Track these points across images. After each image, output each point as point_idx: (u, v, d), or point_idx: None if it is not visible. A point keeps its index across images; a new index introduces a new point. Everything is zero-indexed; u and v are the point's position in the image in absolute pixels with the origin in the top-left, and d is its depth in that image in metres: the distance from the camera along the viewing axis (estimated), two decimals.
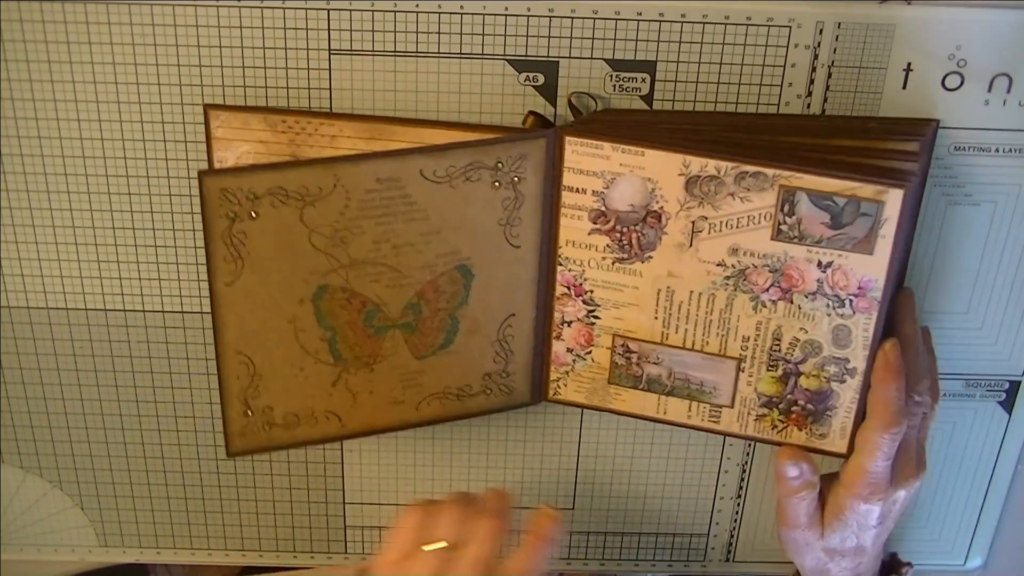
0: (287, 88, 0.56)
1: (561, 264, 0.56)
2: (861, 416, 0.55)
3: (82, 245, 0.60)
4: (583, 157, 0.53)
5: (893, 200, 0.49)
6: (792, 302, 0.53)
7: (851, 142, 0.53)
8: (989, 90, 0.55)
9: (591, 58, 0.55)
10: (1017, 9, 0.53)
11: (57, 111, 0.56)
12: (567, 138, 0.53)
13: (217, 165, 0.55)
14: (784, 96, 0.56)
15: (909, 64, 0.55)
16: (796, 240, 0.51)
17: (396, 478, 0.67)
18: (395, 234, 0.53)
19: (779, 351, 0.54)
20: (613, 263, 0.55)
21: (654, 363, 0.57)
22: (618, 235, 0.54)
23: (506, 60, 0.55)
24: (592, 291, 0.56)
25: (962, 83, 0.55)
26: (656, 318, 0.55)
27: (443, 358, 0.57)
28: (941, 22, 0.54)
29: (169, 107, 0.56)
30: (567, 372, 0.59)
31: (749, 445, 0.65)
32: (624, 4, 0.54)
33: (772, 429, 0.57)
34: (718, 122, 0.56)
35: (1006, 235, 0.59)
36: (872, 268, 0.51)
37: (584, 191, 0.54)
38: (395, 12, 0.54)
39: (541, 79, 0.56)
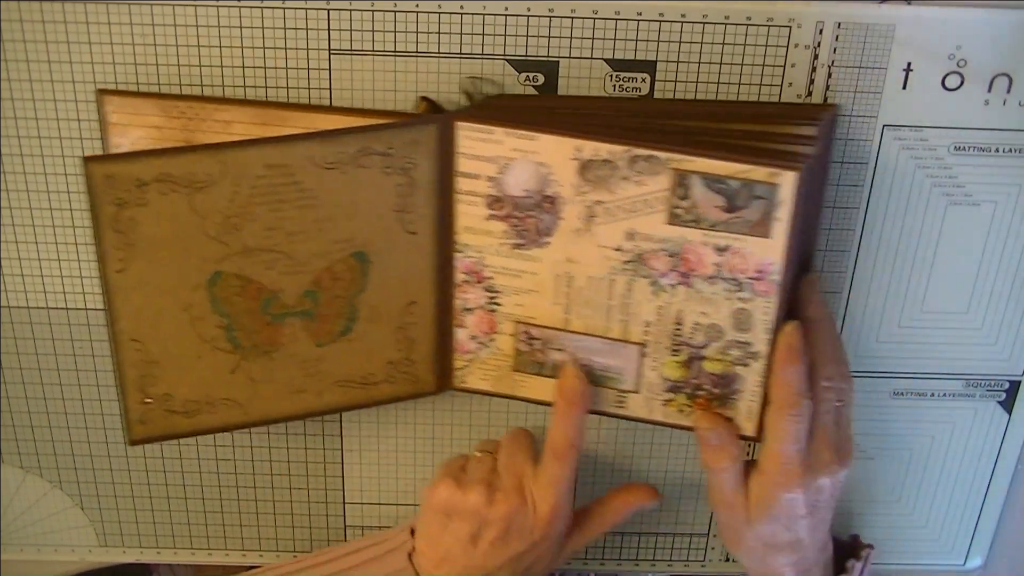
0: (287, 88, 0.56)
1: (459, 251, 0.56)
2: (767, 400, 0.55)
3: (82, 245, 0.60)
4: (475, 143, 0.53)
5: (787, 183, 0.49)
6: (692, 286, 0.53)
7: (747, 126, 0.53)
8: (989, 90, 0.55)
9: (591, 58, 0.55)
10: (1017, 9, 0.53)
11: (57, 111, 0.56)
12: (458, 124, 0.52)
13: (114, 151, 0.55)
14: (784, 96, 0.56)
15: (909, 64, 0.55)
16: (692, 224, 0.51)
17: (396, 478, 0.67)
18: (288, 221, 0.53)
19: (681, 335, 0.54)
20: (512, 249, 0.55)
21: (557, 349, 0.57)
22: (515, 221, 0.54)
23: (506, 60, 0.55)
24: (492, 277, 0.56)
25: (962, 83, 0.55)
26: (557, 304, 0.55)
27: (344, 346, 0.57)
28: (941, 22, 0.54)
29: None
30: (471, 360, 0.59)
31: (749, 446, 0.65)
32: (624, 4, 0.54)
33: (679, 414, 0.57)
34: (613, 107, 0.55)
35: (1006, 235, 0.59)
36: (770, 251, 0.51)
37: (478, 177, 0.53)
38: (395, 12, 0.54)
39: (541, 79, 0.56)
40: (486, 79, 0.55)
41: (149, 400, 0.55)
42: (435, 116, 0.53)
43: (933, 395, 0.64)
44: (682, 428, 0.57)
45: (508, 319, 0.56)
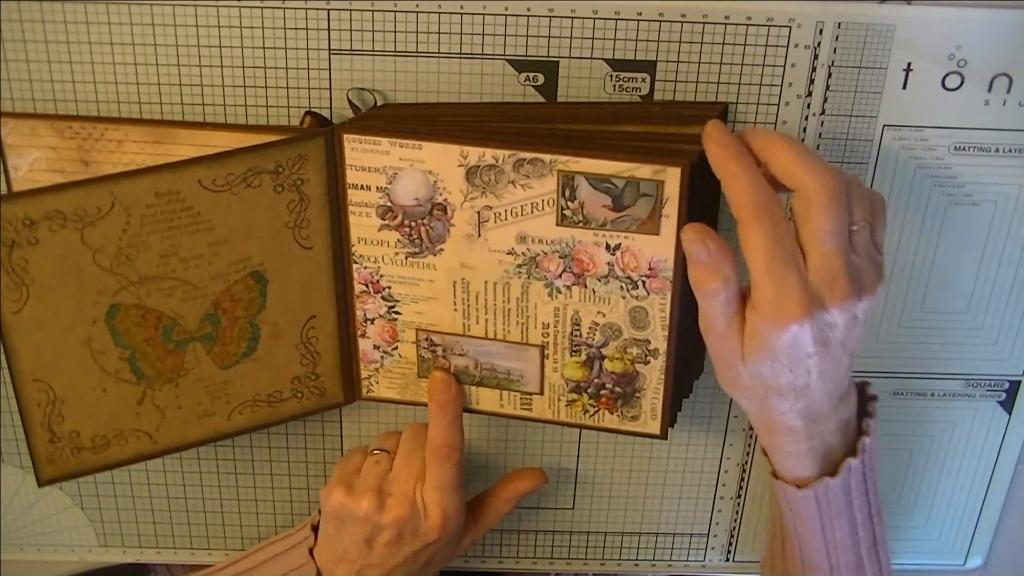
0: (287, 88, 0.56)
1: (356, 262, 0.56)
2: (669, 395, 0.55)
3: None
4: (363, 154, 0.53)
5: (672, 179, 0.49)
6: (586, 286, 0.53)
7: (633, 128, 0.53)
8: (989, 90, 0.55)
9: (591, 58, 0.55)
10: (1017, 9, 0.53)
11: (57, 111, 0.56)
12: (345, 136, 0.53)
13: (12, 172, 0.55)
14: (784, 96, 0.56)
15: (909, 64, 0.55)
16: (581, 224, 0.52)
17: None
18: (182, 247, 0.53)
19: (580, 336, 0.55)
20: (406, 258, 0.55)
21: (460, 355, 0.57)
22: (407, 229, 0.54)
23: (506, 60, 0.55)
24: (390, 287, 0.56)
25: (962, 83, 0.55)
26: (456, 310, 0.56)
27: (248, 366, 0.57)
28: (941, 22, 0.54)
29: (169, 107, 0.56)
30: (377, 369, 0.59)
31: (749, 445, 0.65)
32: (624, 4, 0.54)
33: (584, 414, 0.57)
34: (496, 113, 0.56)
35: (1006, 235, 0.59)
36: (660, 248, 0.51)
37: (368, 188, 0.53)
38: (395, 12, 0.54)
39: (541, 79, 0.56)
40: (370, 90, 0.55)
41: (56, 439, 0.55)
42: (321, 130, 0.53)
43: (933, 395, 0.64)
44: (588, 428, 0.58)
45: (409, 327, 0.57)
